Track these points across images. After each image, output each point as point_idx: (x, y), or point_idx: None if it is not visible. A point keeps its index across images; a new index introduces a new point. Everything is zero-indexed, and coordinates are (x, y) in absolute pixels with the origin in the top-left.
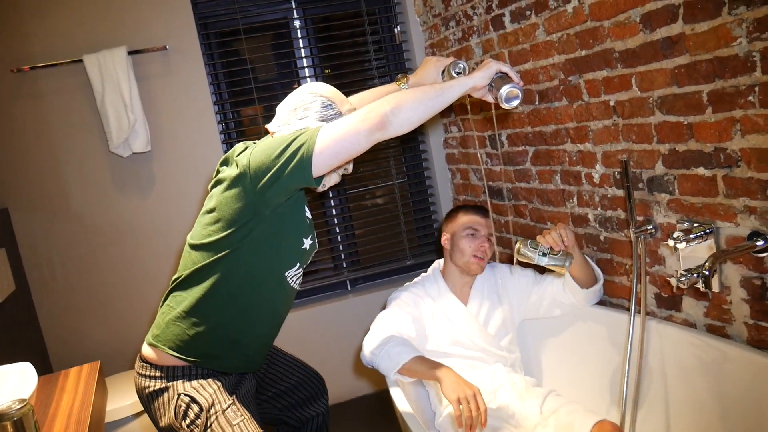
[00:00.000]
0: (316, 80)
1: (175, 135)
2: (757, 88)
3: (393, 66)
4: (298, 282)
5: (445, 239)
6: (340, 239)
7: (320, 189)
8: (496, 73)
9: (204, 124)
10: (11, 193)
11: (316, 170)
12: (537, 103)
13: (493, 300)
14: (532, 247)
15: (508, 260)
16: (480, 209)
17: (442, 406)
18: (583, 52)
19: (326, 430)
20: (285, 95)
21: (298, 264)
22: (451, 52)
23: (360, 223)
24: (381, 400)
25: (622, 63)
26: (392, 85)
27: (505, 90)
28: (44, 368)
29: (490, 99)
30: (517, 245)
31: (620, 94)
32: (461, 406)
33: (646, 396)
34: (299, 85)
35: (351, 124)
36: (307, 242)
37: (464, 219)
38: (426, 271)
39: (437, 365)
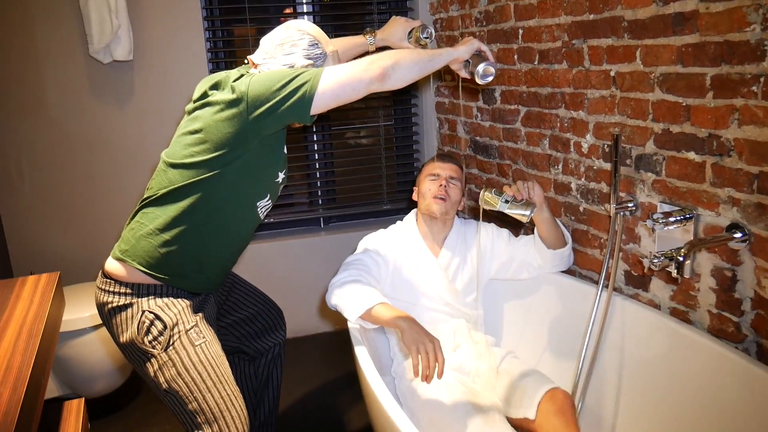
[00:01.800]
0: (314, 8)
1: (159, 47)
2: (762, 79)
3: (393, 3)
4: (265, 212)
5: (414, 193)
6: (318, 175)
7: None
8: (476, 51)
9: (191, 40)
10: None
11: (315, 109)
12: (536, 62)
13: (464, 255)
14: (496, 194)
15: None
16: (443, 156)
17: (401, 354)
18: (591, 17)
19: (281, 362)
20: (278, 20)
21: (269, 195)
22: None
23: (340, 162)
24: (341, 338)
25: (629, 33)
26: (360, 38)
27: (481, 67)
28: (4, 270)
29: (464, 73)
30: (483, 190)
31: (622, 65)
32: (419, 356)
33: (601, 369)
34: (294, 10)
35: (354, 71)
36: (281, 175)
37: (427, 168)
38: (402, 220)
39: (400, 314)
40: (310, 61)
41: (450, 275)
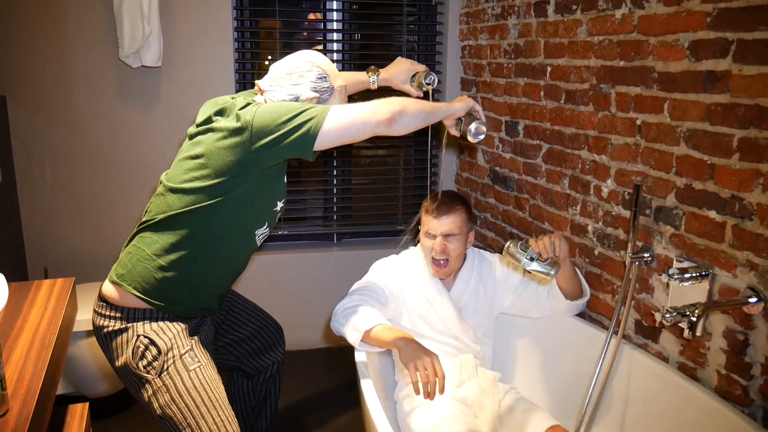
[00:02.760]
0: (343, 14)
1: (188, 55)
2: None
3: (424, 27)
4: (263, 239)
5: (420, 236)
6: (335, 191)
7: None
8: (470, 109)
9: (220, 50)
10: (13, 82)
11: (318, 146)
12: (562, 102)
13: (477, 289)
14: (521, 249)
15: (499, 249)
16: (438, 209)
17: (403, 380)
18: (622, 63)
19: (279, 379)
20: (306, 14)
21: (267, 224)
22: (486, 26)
23: (358, 179)
24: (346, 354)
25: (658, 85)
26: (362, 74)
27: (474, 126)
28: (19, 264)
29: (454, 131)
30: (508, 244)
31: (649, 115)
32: (418, 373)
33: (603, 415)
34: (324, 8)
35: (362, 112)
36: (280, 204)
37: (424, 221)
38: (415, 245)
39: (399, 334)
40: (316, 94)
41: (461, 309)
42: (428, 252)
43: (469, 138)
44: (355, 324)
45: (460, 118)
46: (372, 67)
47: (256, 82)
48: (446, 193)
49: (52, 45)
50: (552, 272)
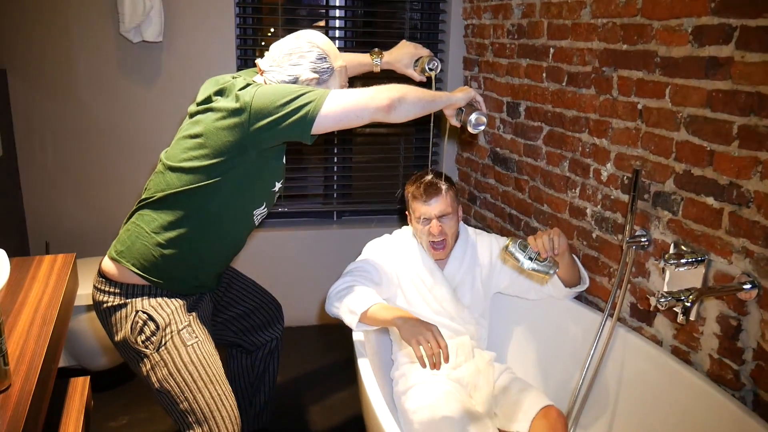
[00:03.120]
0: (345, 2)
1: (189, 30)
2: None
3: (427, 4)
4: (261, 219)
5: (409, 218)
6: (336, 169)
7: None
8: (470, 99)
9: (221, 24)
10: (14, 55)
11: (316, 130)
12: (564, 84)
13: (472, 268)
14: (520, 248)
15: (498, 229)
16: (426, 192)
17: (401, 357)
18: (624, 47)
19: (278, 354)
20: None
21: (265, 204)
22: (490, 5)
23: (358, 157)
24: (344, 330)
25: (661, 69)
26: (365, 57)
27: (474, 116)
28: (21, 239)
29: (454, 121)
30: (507, 242)
31: (650, 100)
32: (421, 347)
33: (597, 396)
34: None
35: (361, 98)
36: (278, 185)
37: (414, 206)
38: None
39: (396, 311)
40: (316, 75)
41: (455, 288)
42: (425, 236)
43: (469, 128)
44: (351, 306)
45: (460, 108)
46: (375, 49)
47: (256, 61)
48: (426, 173)
49: (52, 18)
50: (551, 272)
